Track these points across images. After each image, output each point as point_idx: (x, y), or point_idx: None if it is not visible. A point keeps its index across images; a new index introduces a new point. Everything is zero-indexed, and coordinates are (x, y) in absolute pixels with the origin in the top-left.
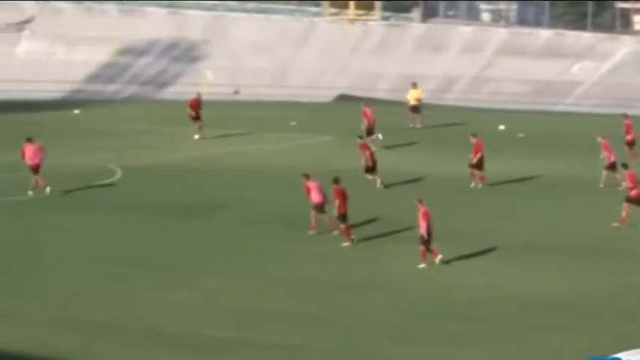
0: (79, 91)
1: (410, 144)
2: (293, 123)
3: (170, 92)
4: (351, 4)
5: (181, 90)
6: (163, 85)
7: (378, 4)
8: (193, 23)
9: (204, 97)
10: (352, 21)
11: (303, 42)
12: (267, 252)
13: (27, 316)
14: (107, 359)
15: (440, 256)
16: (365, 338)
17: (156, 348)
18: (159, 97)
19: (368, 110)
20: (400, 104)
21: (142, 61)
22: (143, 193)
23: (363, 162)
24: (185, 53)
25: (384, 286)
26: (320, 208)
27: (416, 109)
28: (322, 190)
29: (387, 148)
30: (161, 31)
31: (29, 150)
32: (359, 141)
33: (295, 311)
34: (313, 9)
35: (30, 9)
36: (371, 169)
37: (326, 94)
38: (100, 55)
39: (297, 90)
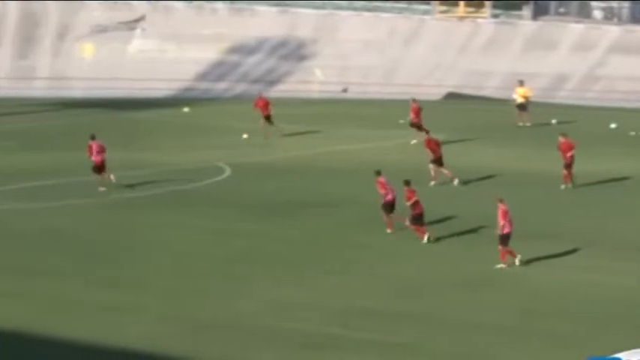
0: (188, 89)
1: (515, 142)
2: (401, 121)
3: (279, 90)
4: (461, 2)
5: (290, 88)
6: (272, 83)
7: (488, 2)
8: (303, 22)
9: (314, 95)
10: (462, 18)
11: (412, 40)
12: (374, 250)
13: (140, 311)
14: (215, 355)
15: (519, 256)
16: (472, 336)
17: (263, 345)
18: (268, 95)
19: (416, 106)
20: (509, 102)
21: (252, 60)
22: (252, 191)
23: (431, 156)
24: (294, 51)
25: (491, 285)
26: (389, 206)
27: (522, 107)
28: (391, 187)
29: (493, 146)
30: (271, 30)
31: (94, 147)
32: (425, 136)
33: (402, 309)
34: (423, 7)
35: (141, 8)
36: (438, 162)
37: (435, 92)
38: (209, 53)
39: (405, 88)
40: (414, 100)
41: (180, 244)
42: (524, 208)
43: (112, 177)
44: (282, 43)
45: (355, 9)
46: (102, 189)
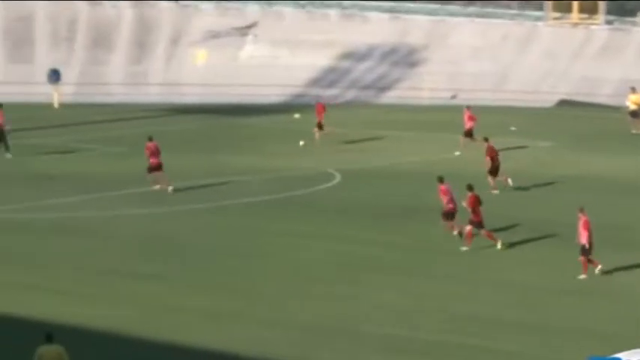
0: (300, 95)
1: (629, 150)
2: (513, 128)
3: (390, 97)
4: (575, 6)
5: (401, 94)
6: (383, 89)
7: (601, 8)
8: (414, 28)
9: (425, 102)
10: (575, 25)
11: (525, 46)
12: (482, 256)
13: (247, 316)
14: None
15: (600, 267)
16: (580, 344)
17: (372, 350)
18: (378, 102)
19: (469, 113)
20: (623, 110)
21: (363, 66)
22: (362, 197)
23: (489, 165)
24: (405, 58)
25: (597, 293)
26: (449, 214)
27: (635, 114)
28: (453, 195)
29: (605, 153)
30: (382, 36)
31: (151, 148)
32: (486, 144)
33: (510, 316)
34: (536, 13)
35: (253, 14)
36: (495, 171)
37: (547, 99)
38: (321, 59)
39: (517, 95)
40: (469, 107)
41: (288, 249)
42: (636, 216)
43: (170, 188)
44: (393, 50)
45: (467, 15)
46: (156, 187)
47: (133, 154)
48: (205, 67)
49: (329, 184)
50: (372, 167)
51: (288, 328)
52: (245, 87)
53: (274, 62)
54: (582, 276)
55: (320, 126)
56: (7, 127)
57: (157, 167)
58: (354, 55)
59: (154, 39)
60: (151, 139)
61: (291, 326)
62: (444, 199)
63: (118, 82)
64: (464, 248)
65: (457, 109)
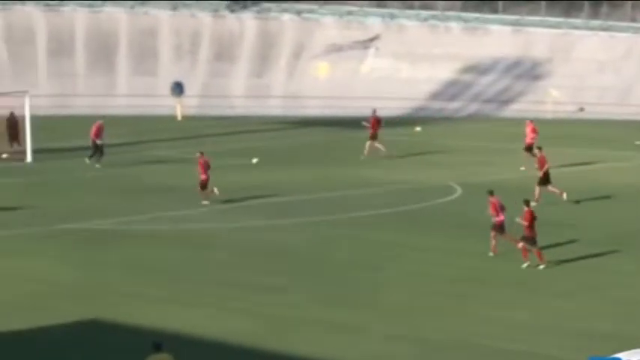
0: (421, 108)
1: None
2: (638, 142)
3: (513, 110)
4: None
5: (524, 108)
6: (506, 102)
7: None
8: (537, 41)
9: (548, 116)
10: None
11: None
12: (606, 271)
13: (366, 330)
14: None
15: None
16: None
17: None
18: (501, 115)
19: (531, 126)
20: None
21: (485, 79)
22: (480, 210)
23: (540, 175)
24: (529, 71)
25: None
26: (500, 227)
27: None
28: (504, 209)
29: None
30: (505, 49)
31: (202, 164)
32: (538, 154)
33: (636, 334)
34: None
35: (376, 27)
36: (543, 182)
37: None
38: (443, 72)
39: None
40: (531, 121)
41: (408, 262)
42: None
43: (215, 190)
44: (516, 63)
45: (591, 28)
46: (205, 202)
47: (252, 166)
48: (327, 80)
49: (449, 198)
50: (493, 180)
51: (409, 342)
52: (366, 100)
53: (396, 75)
54: None
55: (373, 138)
56: (99, 141)
57: (206, 183)
58: (477, 69)
59: (277, 52)
60: (202, 154)
61: (413, 341)
62: (493, 213)
63: (240, 94)
64: (525, 265)
65: (583, 123)
